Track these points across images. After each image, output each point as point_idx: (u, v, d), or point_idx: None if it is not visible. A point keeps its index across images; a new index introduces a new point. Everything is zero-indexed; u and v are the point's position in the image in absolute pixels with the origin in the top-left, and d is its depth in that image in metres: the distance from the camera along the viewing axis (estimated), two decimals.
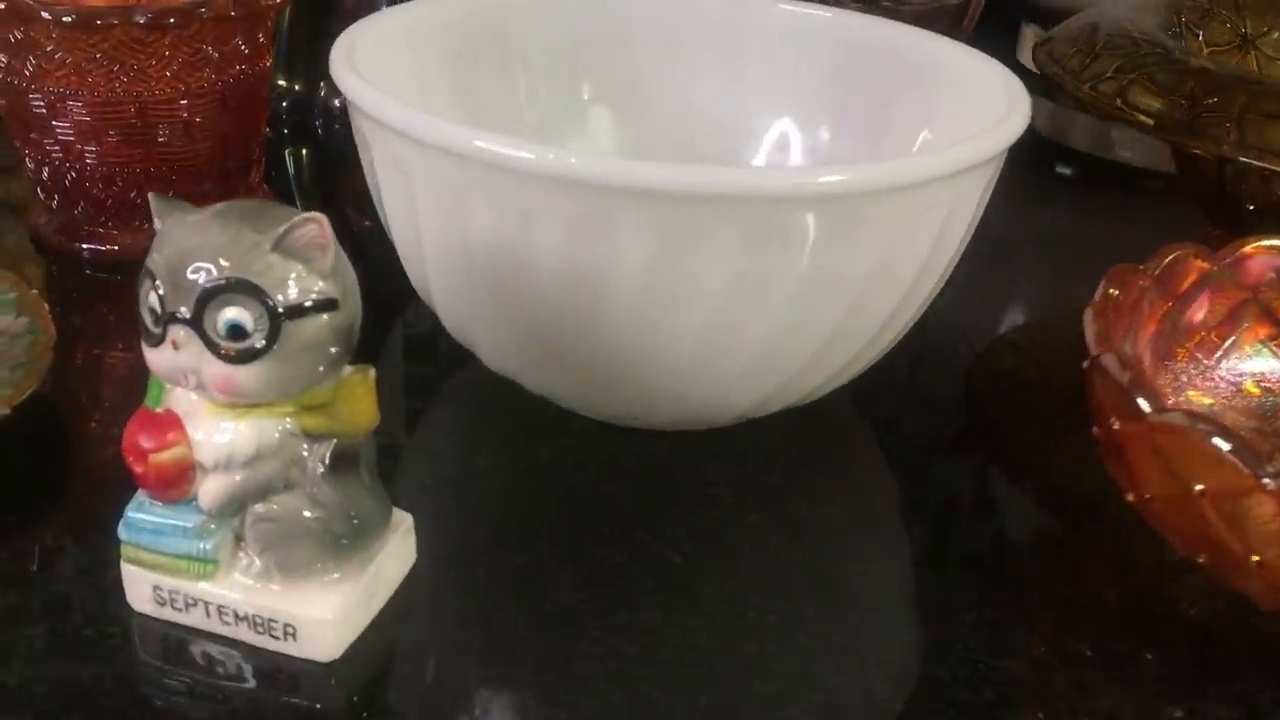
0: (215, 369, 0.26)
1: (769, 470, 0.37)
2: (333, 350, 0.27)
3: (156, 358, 0.26)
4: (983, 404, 0.42)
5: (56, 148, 0.44)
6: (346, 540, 0.28)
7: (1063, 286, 0.50)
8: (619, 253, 0.30)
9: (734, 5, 0.45)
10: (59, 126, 0.44)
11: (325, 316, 0.26)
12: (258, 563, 0.28)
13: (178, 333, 0.26)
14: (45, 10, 0.39)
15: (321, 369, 0.27)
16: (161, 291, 0.26)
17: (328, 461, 0.28)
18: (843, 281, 0.31)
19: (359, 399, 0.28)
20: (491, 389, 0.38)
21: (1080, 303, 0.34)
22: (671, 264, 0.30)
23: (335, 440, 0.28)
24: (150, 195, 0.27)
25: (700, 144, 0.44)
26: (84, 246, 0.46)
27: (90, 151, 0.44)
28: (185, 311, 0.26)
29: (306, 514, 0.28)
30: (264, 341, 0.26)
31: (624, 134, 0.45)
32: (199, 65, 0.44)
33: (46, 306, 0.38)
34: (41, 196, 0.47)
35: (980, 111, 0.36)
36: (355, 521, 0.28)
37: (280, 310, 0.26)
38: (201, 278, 0.25)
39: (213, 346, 0.26)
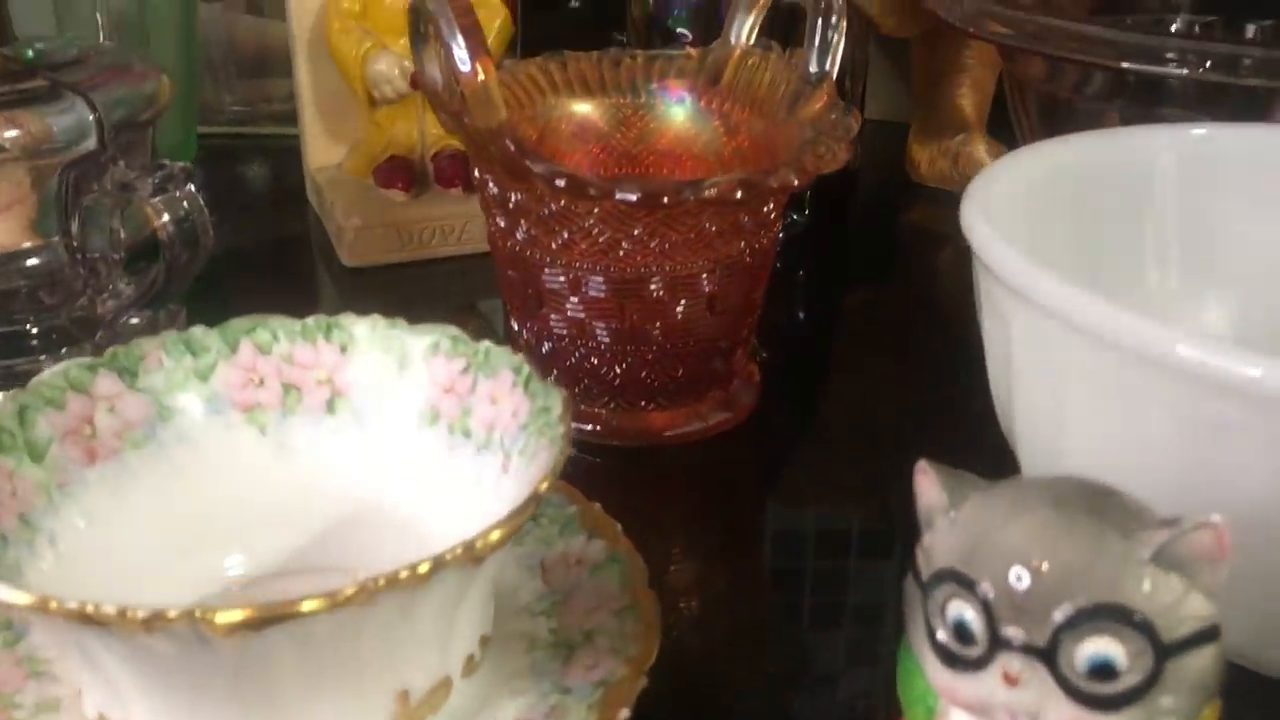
0: (1065, 713, 0.20)
1: None
2: (1211, 693, 0.20)
3: (968, 686, 0.20)
4: None
5: (565, 325, 0.40)
6: None
7: None
8: None
9: None
10: (573, 302, 0.40)
11: (1210, 649, 0.20)
12: None
13: (1012, 664, 0.20)
14: (619, 189, 0.35)
15: (1195, 718, 0.20)
16: (991, 597, 0.20)
17: None
18: None
19: None
20: None
21: None
22: None
23: None
24: (927, 464, 0.22)
25: None
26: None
27: (602, 329, 0.40)
28: (1034, 639, 0.20)
29: None
30: (1140, 683, 0.19)
31: (1235, 315, 0.38)
32: (732, 234, 0.39)
33: (619, 526, 0.32)
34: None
35: None
36: None
37: (1167, 644, 0.19)
38: (1059, 599, 0.19)
39: (1067, 686, 0.20)
